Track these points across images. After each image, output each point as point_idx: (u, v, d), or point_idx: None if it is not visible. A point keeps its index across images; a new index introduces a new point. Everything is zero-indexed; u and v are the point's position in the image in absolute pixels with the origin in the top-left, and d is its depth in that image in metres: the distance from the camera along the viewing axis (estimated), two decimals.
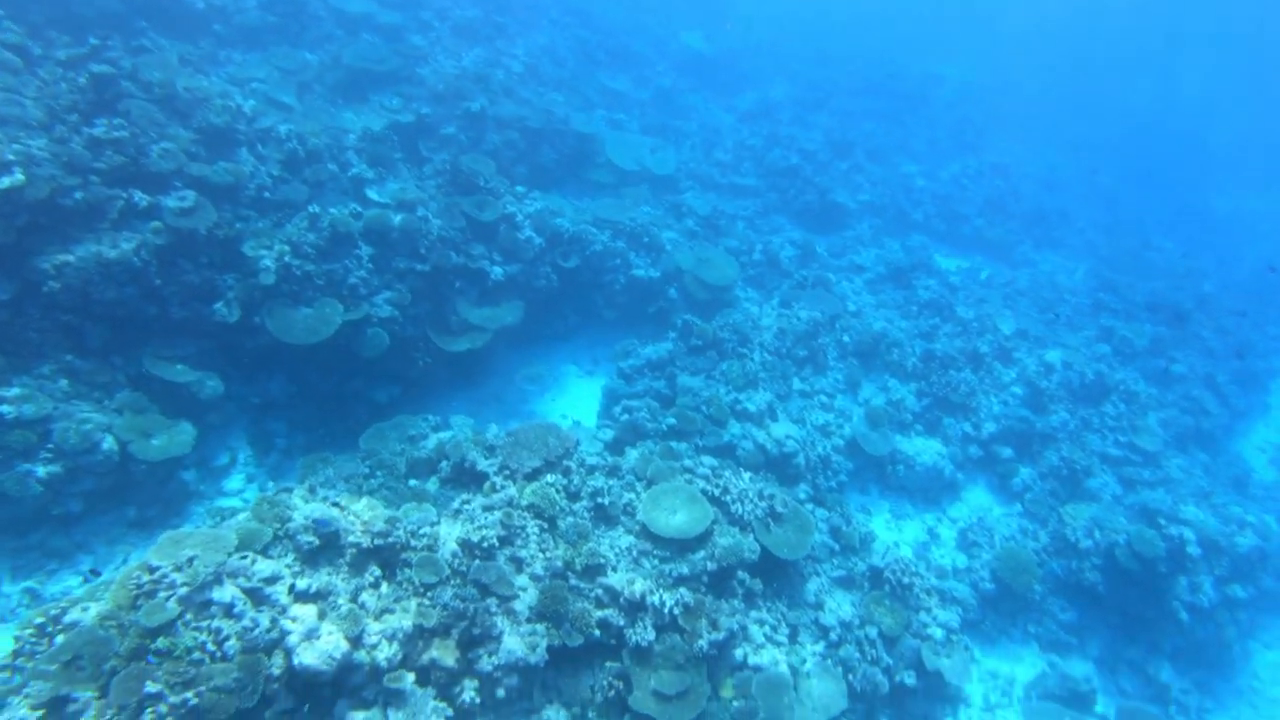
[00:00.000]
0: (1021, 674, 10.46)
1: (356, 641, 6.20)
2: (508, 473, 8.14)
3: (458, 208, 12.08)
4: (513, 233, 12.36)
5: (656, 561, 8.11)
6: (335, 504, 7.31)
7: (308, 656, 5.86)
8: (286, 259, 10.16)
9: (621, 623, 7.42)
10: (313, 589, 6.51)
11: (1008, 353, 13.87)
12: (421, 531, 7.34)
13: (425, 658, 6.48)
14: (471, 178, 12.61)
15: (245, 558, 6.57)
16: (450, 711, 6.27)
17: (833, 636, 8.63)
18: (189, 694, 5.49)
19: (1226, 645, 10.71)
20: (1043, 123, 27.36)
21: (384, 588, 6.84)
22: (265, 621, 6.06)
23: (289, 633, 6.02)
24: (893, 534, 11.64)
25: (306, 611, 6.24)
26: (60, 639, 5.74)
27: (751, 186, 18.33)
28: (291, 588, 6.39)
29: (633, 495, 8.69)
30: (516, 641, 6.79)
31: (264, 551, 6.90)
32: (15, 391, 8.23)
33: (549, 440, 8.46)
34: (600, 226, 13.75)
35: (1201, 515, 10.94)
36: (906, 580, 9.25)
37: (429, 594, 6.83)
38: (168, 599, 5.98)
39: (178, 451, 9.00)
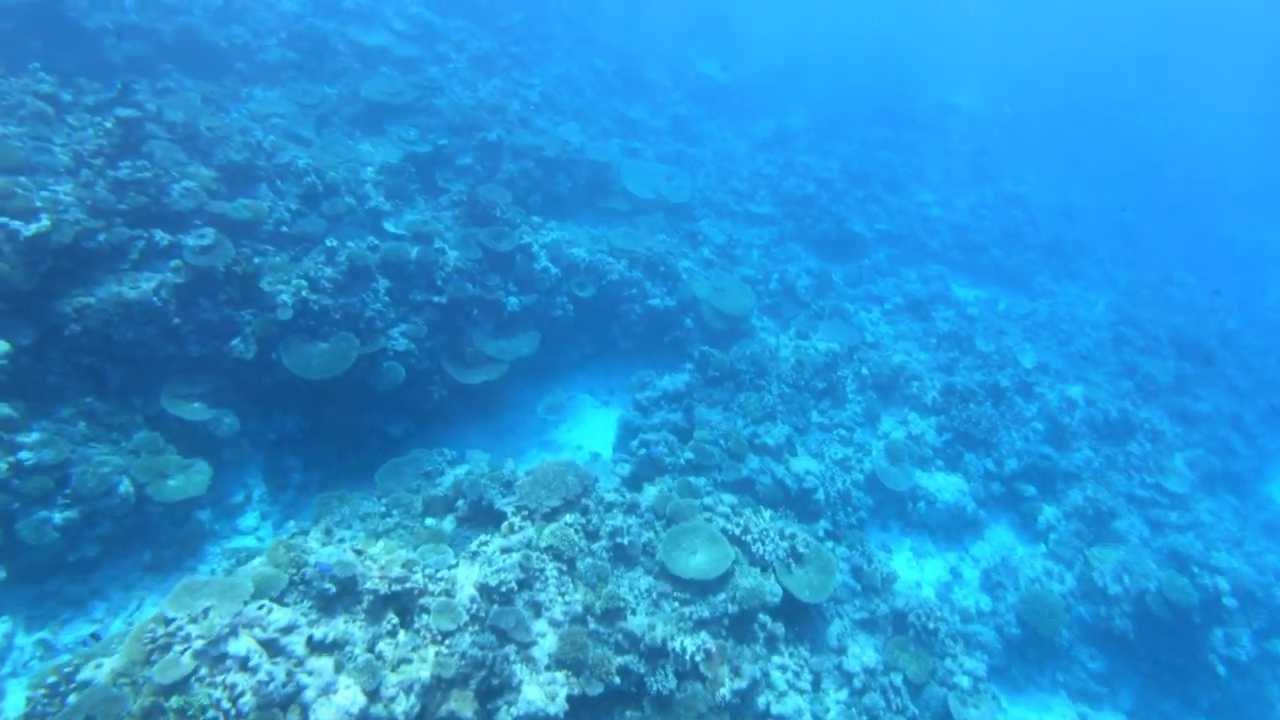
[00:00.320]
0: None
1: (374, 695, 6.08)
2: (526, 513, 8.04)
3: (474, 239, 12.08)
4: (529, 263, 12.34)
5: (677, 604, 7.97)
6: (353, 548, 7.22)
7: (324, 713, 5.75)
8: (304, 294, 10.14)
9: (642, 670, 7.28)
10: (329, 638, 6.41)
11: (1029, 387, 13.69)
12: (439, 575, 7.24)
13: (444, 710, 6.35)
14: (488, 208, 12.62)
15: (261, 607, 6.47)
16: None
17: (856, 684, 8.45)
18: None
19: (1269, 704, 10.40)
20: (1060, 153, 27.26)
21: (401, 636, 6.73)
22: (281, 675, 5.95)
23: (305, 687, 5.91)
24: (914, 573, 11.42)
25: (323, 664, 6.14)
26: (73, 699, 5.66)
27: (767, 215, 18.28)
28: (309, 639, 6.29)
29: (652, 534, 8.57)
30: (536, 691, 6.65)
31: (280, 598, 6.82)
32: (35, 436, 8.19)
33: (568, 479, 8.36)
34: (616, 256, 13.71)
35: (1235, 563, 10.70)
36: (931, 625, 9.06)
37: (447, 642, 6.71)
38: (182, 653, 5.89)
39: (194, 492, 8.93)
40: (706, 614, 7.89)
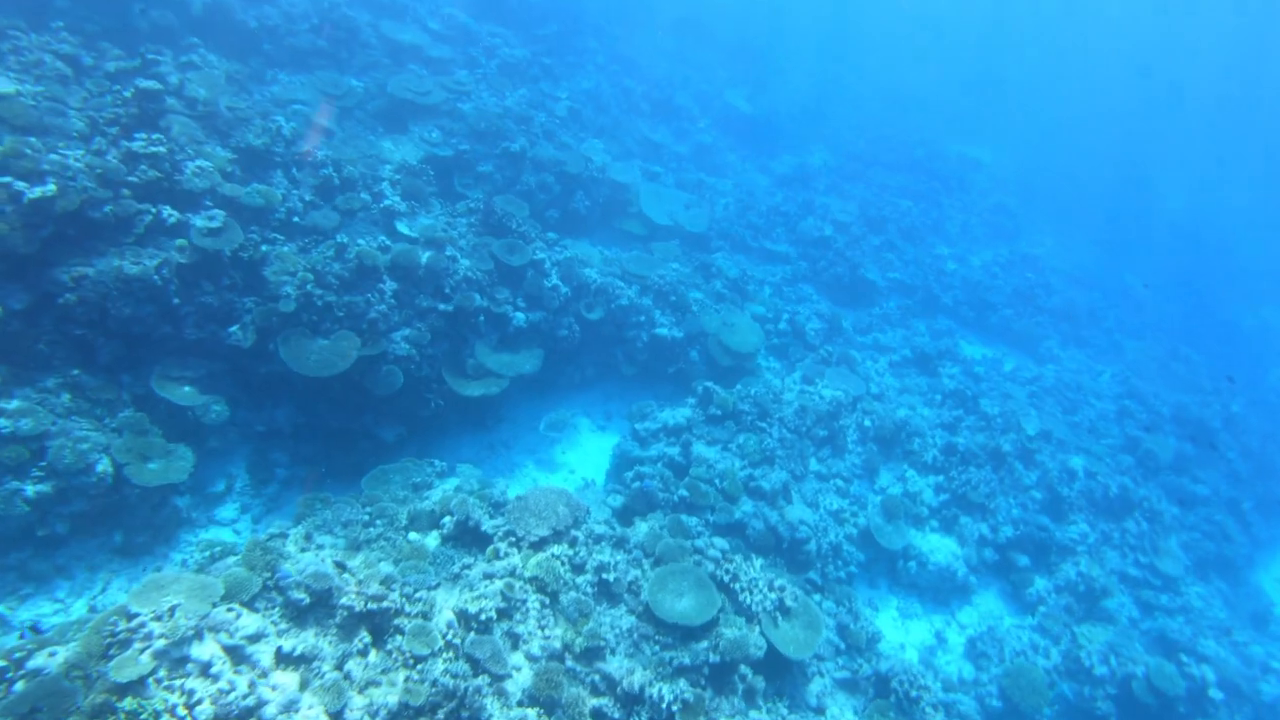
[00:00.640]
0: None
1: (337, 717, 5.81)
2: (513, 539, 7.79)
3: (487, 249, 11.90)
4: (539, 279, 12.15)
5: (658, 648, 7.73)
6: (333, 560, 6.95)
7: None
8: (309, 287, 9.93)
9: (617, 715, 7.02)
10: (298, 651, 6.15)
11: (1030, 454, 13.50)
12: (417, 596, 6.99)
13: None
14: (504, 220, 12.45)
15: (231, 610, 6.21)
16: None
17: None
18: None
19: None
20: (1075, 216, 27.34)
21: (372, 656, 6.47)
22: (243, 686, 5.68)
23: (266, 702, 5.64)
24: (899, 634, 11.17)
25: (287, 680, 5.87)
26: (20, 686, 5.37)
27: (782, 253, 18.15)
28: (277, 651, 6.03)
29: (639, 572, 8.33)
30: None
31: (251, 603, 6.56)
32: (15, 404, 7.96)
33: (559, 509, 8.12)
34: (628, 280, 13.54)
35: (1223, 653, 10.49)
36: (914, 693, 8.81)
37: (419, 667, 6.45)
38: (142, 651, 5.62)
39: (174, 479, 8.67)
40: (687, 661, 7.64)
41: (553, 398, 13.08)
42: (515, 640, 7.07)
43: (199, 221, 9.45)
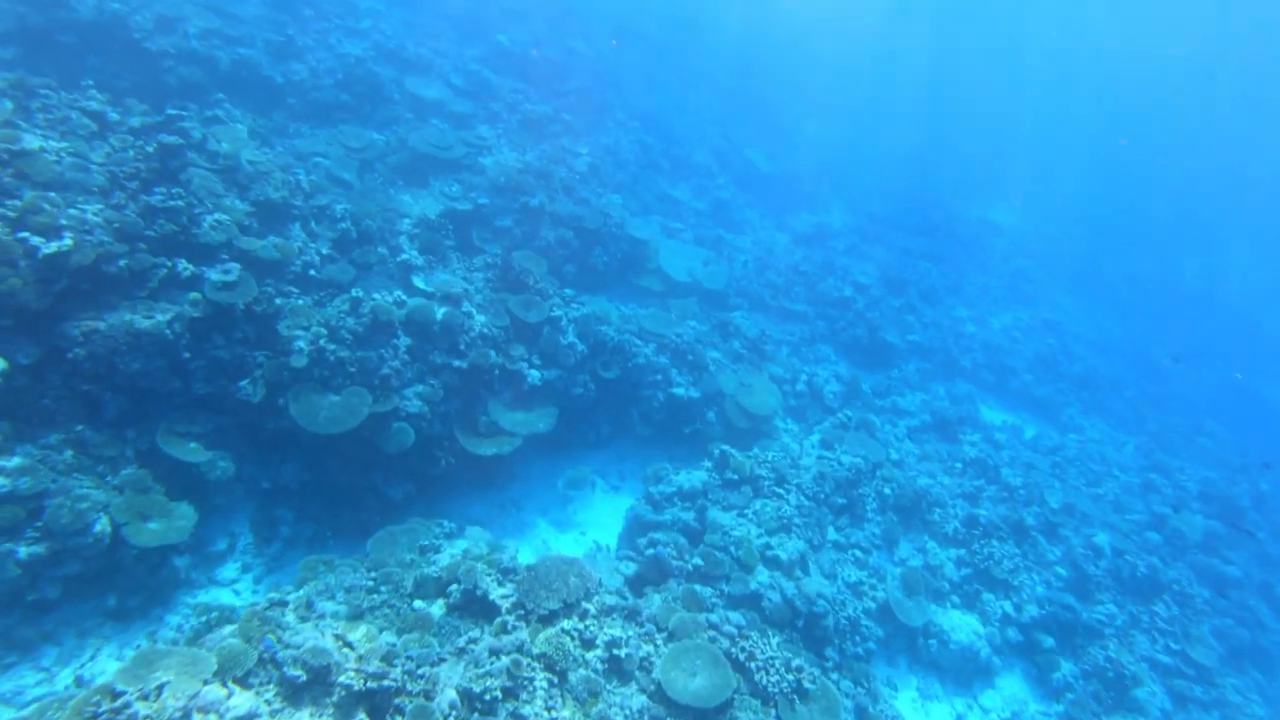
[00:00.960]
0: None
1: None
2: (522, 612, 7.47)
3: (503, 305, 11.78)
4: (556, 336, 11.99)
5: None
6: (332, 633, 6.65)
7: None
8: (321, 342, 9.80)
9: None
10: None
11: (1054, 528, 13.07)
12: (420, 672, 6.65)
13: None
14: (521, 275, 12.35)
15: (223, 688, 5.91)
16: None
17: None
18: None
19: None
20: (1094, 282, 27.16)
21: None
22: None
23: None
24: (919, 717, 10.65)
25: None
26: None
27: (800, 312, 17.98)
28: None
29: (651, 648, 7.96)
30: None
31: (245, 679, 6.26)
32: (15, 462, 7.75)
33: (570, 580, 7.81)
34: (645, 338, 13.38)
35: None
36: None
37: None
38: None
39: (174, 539, 8.42)
40: None
41: (566, 456, 12.82)
42: None
43: (214, 275, 9.36)
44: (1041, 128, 43.97)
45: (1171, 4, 43.01)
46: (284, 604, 7.32)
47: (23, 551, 7.61)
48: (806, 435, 13.78)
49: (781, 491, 11.53)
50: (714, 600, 9.50)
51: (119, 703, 5.48)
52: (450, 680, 6.55)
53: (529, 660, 6.91)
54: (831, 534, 11.57)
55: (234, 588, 9.50)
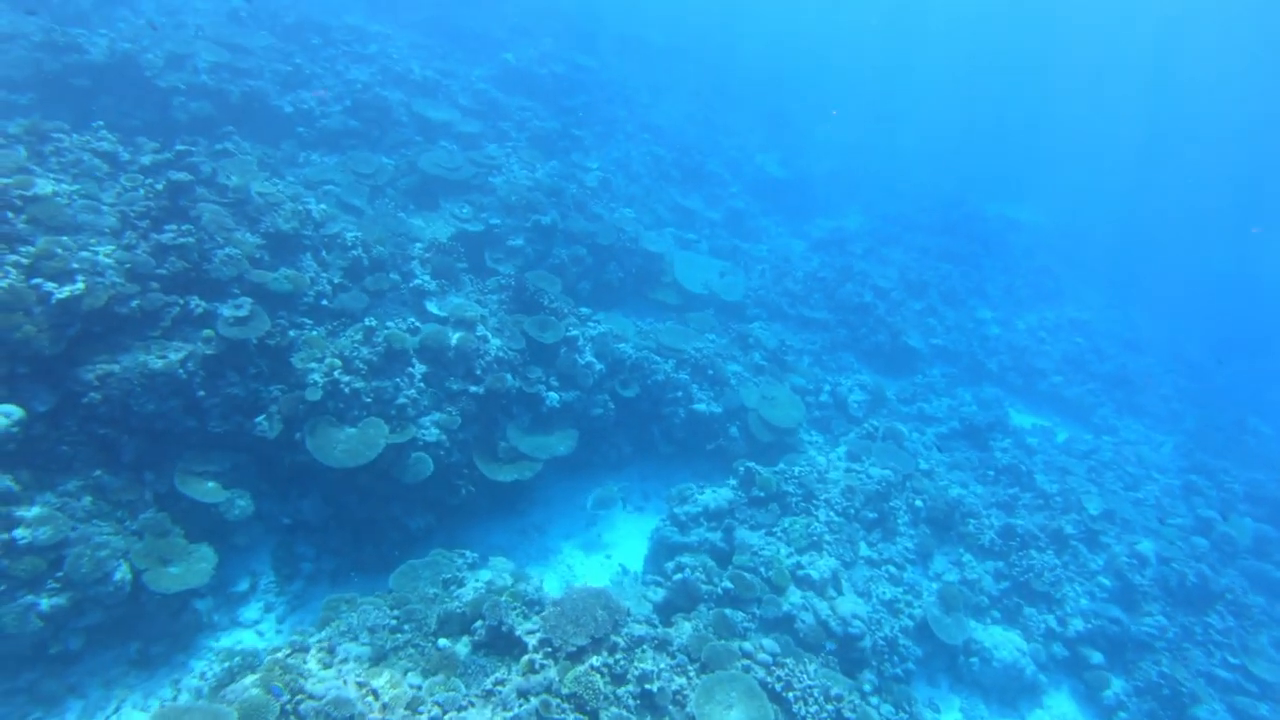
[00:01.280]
0: None
1: None
2: (549, 649, 7.23)
3: (519, 327, 11.60)
4: (573, 356, 11.78)
5: None
6: (355, 680, 6.45)
7: None
8: (336, 374, 9.63)
9: None
10: None
11: (1094, 535, 12.64)
12: (447, 718, 6.43)
13: None
14: (535, 295, 12.17)
15: None
16: None
17: None
18: None
19: None
20: (1121, 278, 26.55)
21: None
22: None
23: None
24: None
25: None
26: None
27: (821, 320, 17.67)
28: None
29: (684, 680, 7.68)
30: None
31: None
32: (35, 512, 7.63)
33: (597, 613, 7.56)
34: (664, 354, 13.15)
35: None
36: None
37: None
38: None
39: (195, 583, 8.28)
40: None
41: (587, 478, 12.58)
42: None
43: (226, 311, 9.24)
44: (1062, 121, 43.35)
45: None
46: (305, 649, 7.13)
47: (45, 604, 7.49)
48: (832, 447, 13.49)
49: (810, 508, 11.24)
50: (746, 625, 9.22)
51: None
52: None
53: (558, 701, 6.67)
54: (864, 550, 11.24)
55: (257, 628, 9.34)
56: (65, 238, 8.70)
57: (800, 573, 10.22)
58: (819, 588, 10.18)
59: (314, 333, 10.21)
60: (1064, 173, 36.18)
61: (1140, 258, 28.94)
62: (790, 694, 7.80)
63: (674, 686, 7.49)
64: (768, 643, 8.48)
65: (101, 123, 10.94)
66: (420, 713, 6.26)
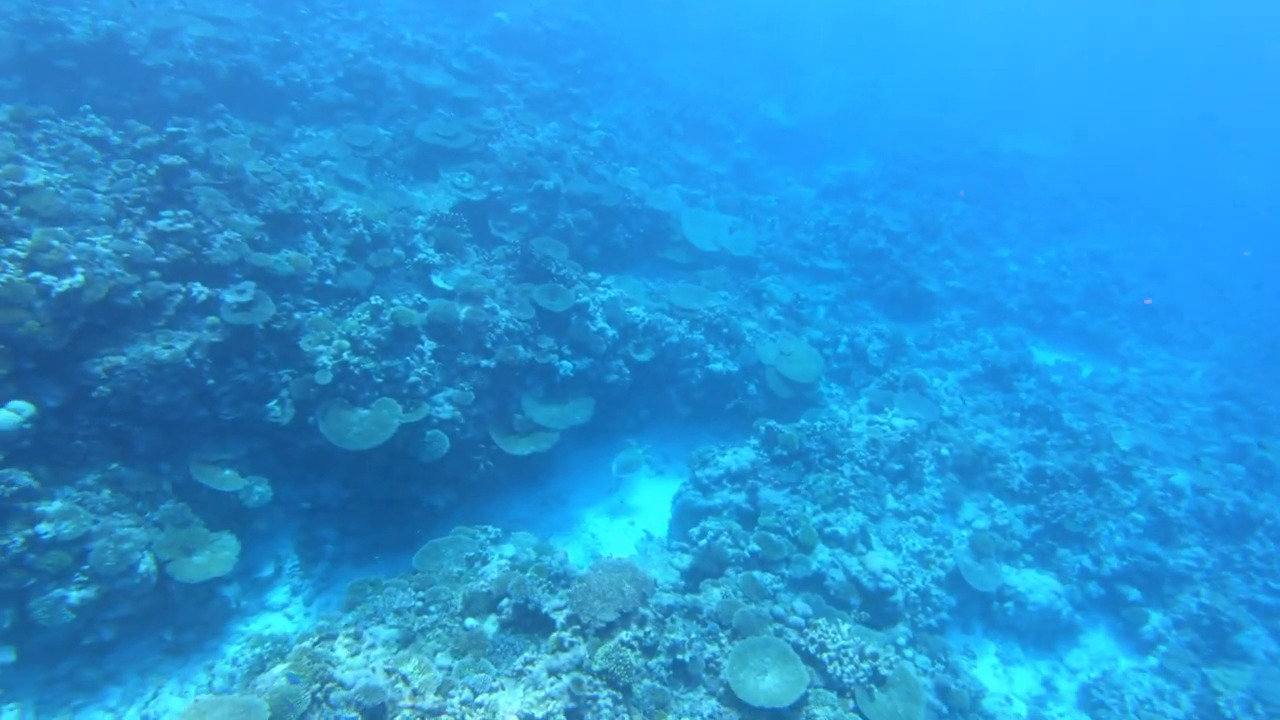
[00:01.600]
0: None
1: None
2: (578, 626, 7.13)
3: (527, 296, 11.36)
4: (584, 324, 11.55)
5: None
6: (384, 668, 6.38)
7: None
8: (345, 355, 9.48)
9: None
10: None
11: (1127, 471, 12.37)
12: (478, 701, 6.35)
13: None
14: (543, 263, 11.91)
15: None
16: None
17: None
18: None
19: None
20: (1140, 204, 25.79)
21: None
22: None
23: None
24: (1002, 684, 10.19)
25: None
26: None
27: (834, 270, 17.30)
28: None
29: (716, 648, 7.59)
30: None
31: None
32: (56, 506, 7.59)
33: (624, 588, 7.43)
34: (676, 315, 12.89)
35: None
36: None
37: None
38: None
39: (219, 571, 8.26)
40: None
41: (606, 445, 12.44)
42: None
43: (229, 296, 9.07)
44: (1070, 48, 41.87)
45: None
46: (333, 636, 7.07)
47: (74, 596, 7.52)
48: (853, 399, 13.25)
49: (834, 463, 11.06)
50: (775, 586, 9.10)
51: None
52: (510, 707, 6.23)
53: (590, 678, 6.57)
54: (891, 502, 11.07)
55: (285, 611, 9.36)
56: (60, 229, 8.51)
57: (828, 530, 10.08)
58: (847, 544, 10.04)
59: (320, 314, 10.04)
60: (1075, 98, 34.99)
61: (1159, 178, 28.08)
62: (824, 655, 7.67)
63: (706, 655, 7.40)
64: (799, 605, 8.35)
65: (89, 106, 10.65)
66: (451, 696, 6.18)
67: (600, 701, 6.53)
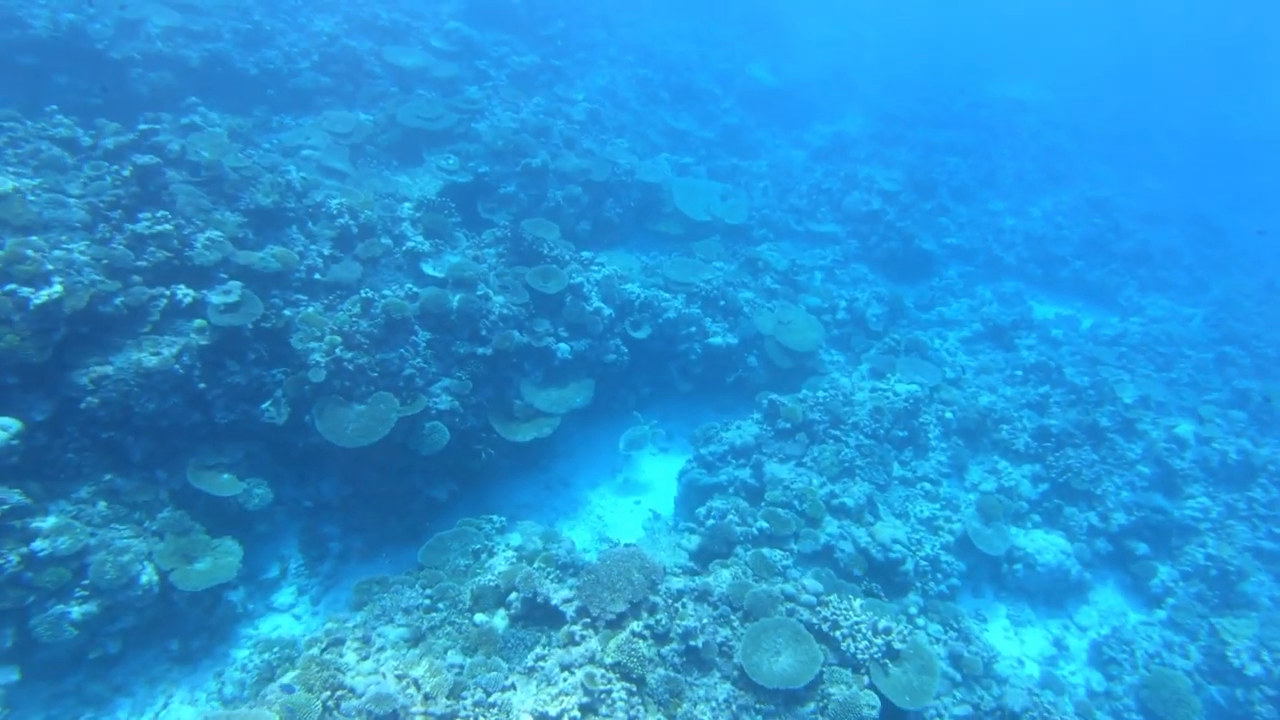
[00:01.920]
0: None
1: None
2: (588, 619, 7.07)
3: (520, 280, 11.15)
4: (580, 304, 11.37)
5: (760, 718, 6.94)
6: (394, 673, 6.31)
7: None
8: (338, 351, 9.30)
9: None
10: None
11: (1130, 424, 12.31)
12: (491, 701, 6.30)
13: None
14: (534, 245, 11.68)
15: None
16: None
17: None
18: None
19: None
20: (1133, 148, 25.45)
21: None
22: None
23: None
24: (1014, 646, 10.21)
25: None
26: None
27: (829, 234, 17.08)
28: None
29: (728, 631, 7.53)
30: None
31: None
32: (51, 522, 7.45)
33: (633, 576, 7.36)
34: (673, 290, 12.72)
35: None
36: None
37: None
38: None
39: (222, 578, 8.16)
40: None
41: (608, 424, 12.31)
42: None
43: (215, 298, 8.85)
44: None
45: None
46: (341, 641, 7.01)
47: (75, 612, 7.42)
48: (855, 366, 13.13)
49: (838, 434, 10.96)
50: (785, 563, 9.04)
51: None
52: (524, 705, 6.18)
53: (603, 672, 6.52)
54: (897, 470, 10.99)
55: (293, 612, 9.30)
56: (34, 237, 8.26)
57: (835, 502, 10.02)
58: (855, 515, 9.99)
59: (310, 309, 9.84)
60: (1061, 40, 34.35)
61: (1150, 118, 27.70)
62: (837, 633, 7.62)
63: (719, 639, 7.34)
64: (810, 583, 8.27)
65: (56, 106, 10.34)
66: (464, 698, 6.13)
67: (615, 695, 6.48)
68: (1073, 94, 28.96)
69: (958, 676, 8.72)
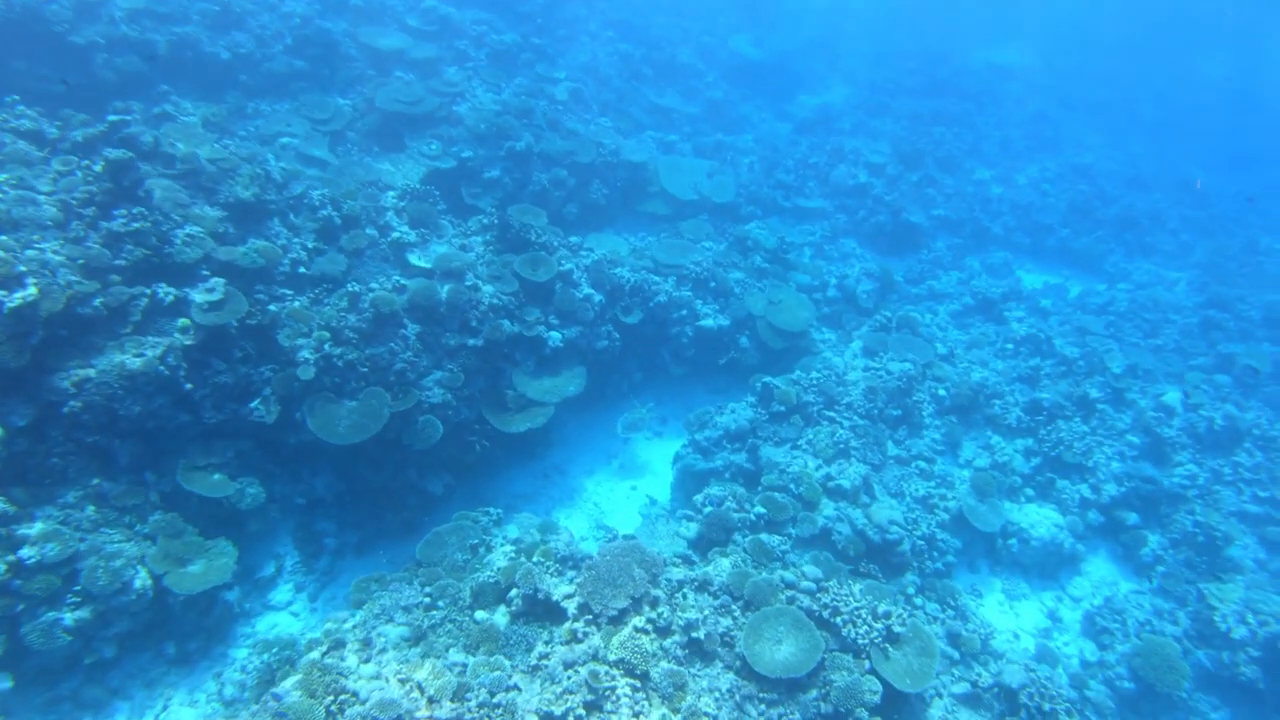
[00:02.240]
0: None
1: None
2: (590, 616, 7.05)
3: (509, 268, 11.00)
4: (569, 291, 11.24)
5: (763, 707, 6.98)
6: (397, 677, 6.27)
7: None
8: (327, 348, 9.16)
9: None
10: None
11: (1120, 394, 12.38)
12: (496, 701, 6.28)
13: None
14: (522, 232, 11.50)
15: None
16: None
17: None
18: None
19: None
20: (1118, 111, 25.39)
21: None
22: None
23: None
24: (1009, 619, 10.33)
25: None
26: None
27: (817, 209, 16.96)
28: None
29: (730, 621, 7.56)
30: None
31: None
32: (39, 528, 7.33)
33: (634, 572, 7.34)
34: (662, 273, 12.60)
35: None
36: (1048, 707, 7.99)
37: None
38: None
39: (217, 580, 8.07)
40: (798, 717, 6.90)
41: (602, 411, 12.28)
42: None
43: (198, 296, 8.66)
44: None
45: None
46: (342, 644, 6.96)
47: (68, 618, 7.34)
48: (847, 344, 13.09)
49: (832, 414, 10.95)
50: (783, 548, 9.06)
51: None
52: (529, 705, 6.18)
53: (606, 669, 6.52)
54: (891, 449, 11.02)
55: (291, 610, 9.26)
56: (4, 237, 8.02)
57: (831, 484, 10.04)
58: (851, 495, 10.01)
59: (296, 303, 9.65)
60: (1046, 2, 34.09)
61: (1131, 77, 27.62)
62: (838, 619, 7.66)
63: (721, 629, 7.36)
64: (810, 569, 8.30)
65: (17, 96, 9.95)
66: (468, 700, 6.11)
67: (619, 691, 6.49)
68: (1059, 59, 28.82)
69: (956, 655, 8.82)
